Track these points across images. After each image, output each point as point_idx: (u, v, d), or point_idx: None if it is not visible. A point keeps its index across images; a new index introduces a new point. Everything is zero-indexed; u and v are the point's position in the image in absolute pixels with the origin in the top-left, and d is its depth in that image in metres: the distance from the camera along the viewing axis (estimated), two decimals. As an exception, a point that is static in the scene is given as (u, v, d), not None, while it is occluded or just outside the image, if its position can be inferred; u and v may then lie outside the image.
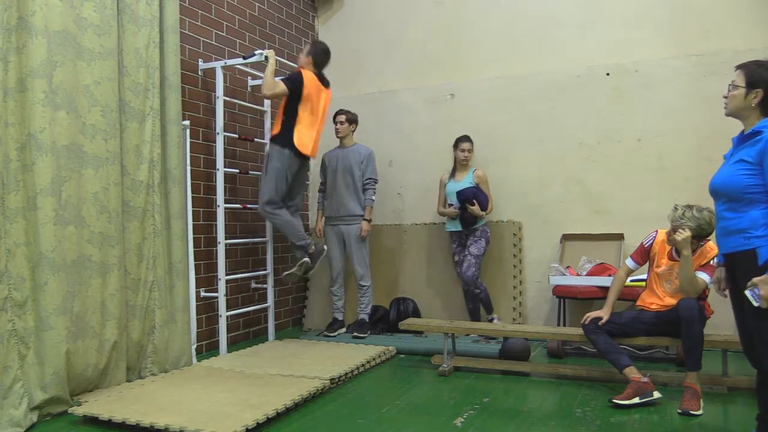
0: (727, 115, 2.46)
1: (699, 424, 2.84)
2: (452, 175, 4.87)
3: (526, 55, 5.09)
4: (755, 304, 2.16)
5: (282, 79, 4.16)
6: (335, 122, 4.93)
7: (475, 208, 4.57)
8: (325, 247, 4.41)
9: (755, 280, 2.17)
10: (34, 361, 2.94)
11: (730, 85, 2.41)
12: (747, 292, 2.18)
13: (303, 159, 4.29)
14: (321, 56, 4.41)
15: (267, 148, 4.31)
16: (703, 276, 3.26)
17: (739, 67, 2.41)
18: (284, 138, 4.16)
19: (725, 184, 2.35)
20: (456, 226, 4.77)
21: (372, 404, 3.24)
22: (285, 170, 4.17)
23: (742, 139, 2.37)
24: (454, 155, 4.85)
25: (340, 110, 4.96)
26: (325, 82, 4.40)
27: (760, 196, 2.25)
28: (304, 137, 4.19)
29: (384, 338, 4.69)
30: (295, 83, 4.15)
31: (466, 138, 4.80)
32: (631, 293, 3.93)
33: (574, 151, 4.87)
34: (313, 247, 4.32)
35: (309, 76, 4.22)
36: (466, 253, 4.67)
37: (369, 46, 5.73)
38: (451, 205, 4.74)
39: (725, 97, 2.43)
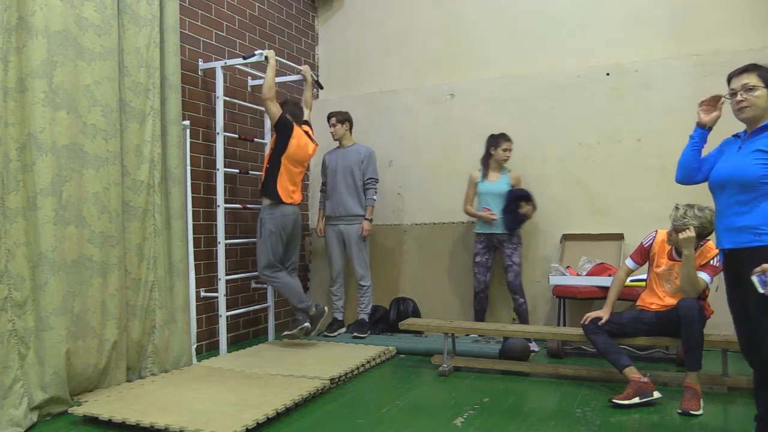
0: (746, 118, 2.36)
1: (699, 424, 2.85)
2: (485, 174, 4.68)
3: (526, 55, 5.09)
4: (761, 290, 2.11)
5: (281, 114, 4.22)
6: (329, 126, 4.96)
7: (530, 208, 4.46)
8: (326, 308, 4.45)
9: (765, 266, 2.12)
10: (34, 361, 2.94)
11: (741, 87, 2.33)
12: (754, 278, 2.14)
13: (294, 212, 4.34)
14: (294, 108, 4.49)
15: (260, 210, 4.39)
16: (704, 276, 3.26)
17: (746, 70, 2.34)
18: (270, 192, 4.26)
19: (738, 175, 2.32)
20: (488, 229, 4.55)
21: (372, 404, 3.24)
22: (279, 232, 4.26)
23: (755, 132, 2.34)
24: (491, 154, 4.63)
25: (329, 114, 4.98)
26: (313, 139, 4.54)
27: None
28: (287, 188, 4.29)
29: (384, 338, 4.69)
30: (284, 130, 4.25)
31: (507, 137, 4.62)
32: (631, 293, 3.93)
33: (574, 151, 4.86)
34: (314, 309, 4.34)
35: (298, 134, 4.33)
36: (510, 263, 4.53)
37: (369, 46, 5.73)
38: (486, 208, 4.55)
39: (742, 101, 2.33)
